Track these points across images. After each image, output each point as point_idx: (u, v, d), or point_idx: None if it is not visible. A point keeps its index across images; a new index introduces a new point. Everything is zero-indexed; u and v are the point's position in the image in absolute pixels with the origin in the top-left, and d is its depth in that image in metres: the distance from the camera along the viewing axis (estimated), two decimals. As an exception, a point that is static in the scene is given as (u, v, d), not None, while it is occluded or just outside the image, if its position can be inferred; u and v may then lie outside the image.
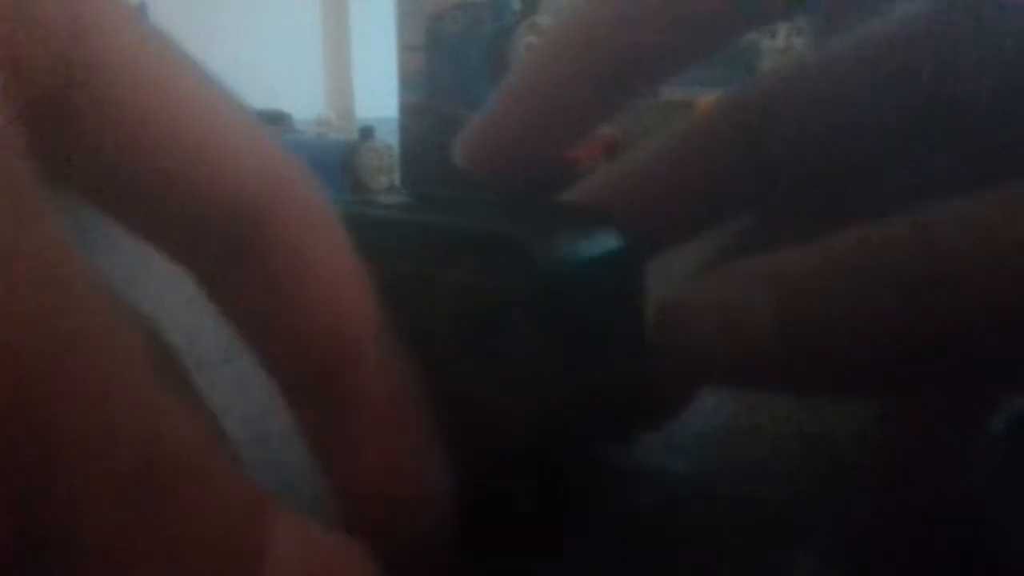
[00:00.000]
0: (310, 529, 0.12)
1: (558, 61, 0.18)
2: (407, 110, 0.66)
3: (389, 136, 0.72)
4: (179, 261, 0.14)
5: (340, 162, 0.71)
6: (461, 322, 0.15)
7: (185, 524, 0.10)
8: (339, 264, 0.14)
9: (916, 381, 0.16)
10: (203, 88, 0.14)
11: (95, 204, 0.13)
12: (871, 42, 0.19)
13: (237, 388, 0.26)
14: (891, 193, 0.19)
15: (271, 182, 0.14)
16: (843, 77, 0.19)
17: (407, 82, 0.66)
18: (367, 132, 0.75)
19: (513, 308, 0.15)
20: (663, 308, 0.16)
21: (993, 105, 0.17)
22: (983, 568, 0.16)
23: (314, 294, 0.14)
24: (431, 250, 0.16)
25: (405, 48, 0.65)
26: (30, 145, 0.09)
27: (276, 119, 0.78)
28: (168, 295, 0.28)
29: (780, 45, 0.60)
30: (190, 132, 0.13)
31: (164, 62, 0.13)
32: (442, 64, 0.63)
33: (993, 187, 0.14)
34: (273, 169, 0.14)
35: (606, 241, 0.16)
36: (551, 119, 0.18)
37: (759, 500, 0.19)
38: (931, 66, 0.18)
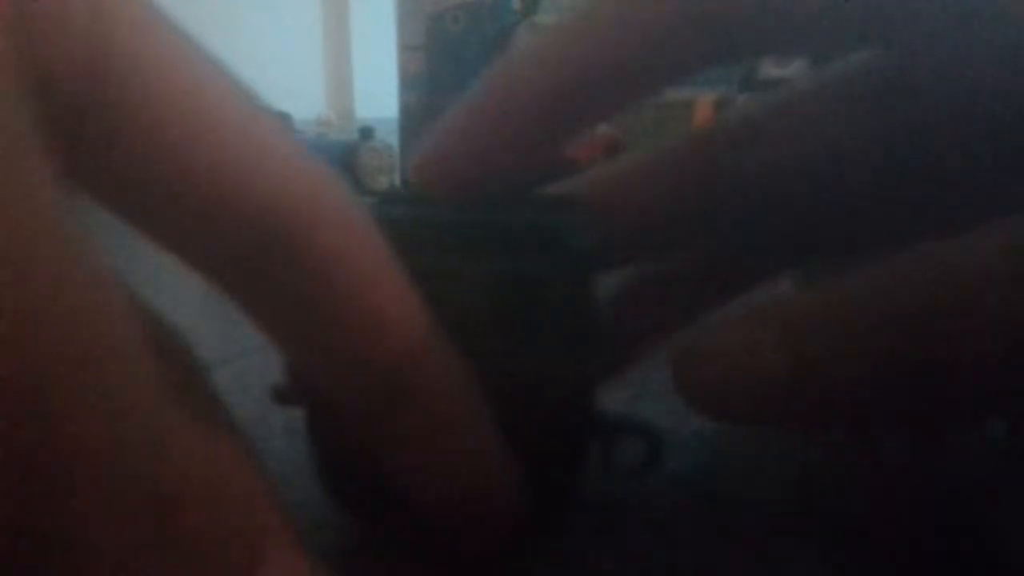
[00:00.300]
0: (305, 563, 0.12)
1: (544, 71, 0.17)
2: (407, 110, 0.66)
3: (389, 136, 0.72)
4: (204, 270, 0.14)
5: (340, 162, 0.71)
6: (496, 310, 0.16)
7: (185, 544, 0.10)
8: (382, 269, 0.14)
9: (923, 414, 0.16)
10: (228, 89, 0.13)
11: (117, 211, 0.13)
12: (849, 75, 0.19)
13: (237, 388, 0.26)
14: (876, 226, 0.19)
15: (303, 187, 0.13)
16: (826, 108, 0.19)
17: (407, 82, 0.66)
18: (367, 132, 0.75)
19: (552, 290, 0.16)
20: (677, 353, 0.16)
21: (970, 140, 0.17)
22: (983, 568, 0.17)
23: (362, 304, 0.14)
24: (458, 245, 0.16)
25: (405, 48, 0.65)
26: (52, 147, 0.09)
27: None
28: (167, 295, 0.28)
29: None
30: (216, 134, 0.13)
31: (188, 62, 0.13)
32: (442, 64, 0.63)
33: (985, 218, 0.14)
34: (305, 174, 0.13)
35: (598, 229, 0.18)
36: (533, 131, 0.17)
37: (759, 500, 0.19)
38: (906, 104, 0.18)
